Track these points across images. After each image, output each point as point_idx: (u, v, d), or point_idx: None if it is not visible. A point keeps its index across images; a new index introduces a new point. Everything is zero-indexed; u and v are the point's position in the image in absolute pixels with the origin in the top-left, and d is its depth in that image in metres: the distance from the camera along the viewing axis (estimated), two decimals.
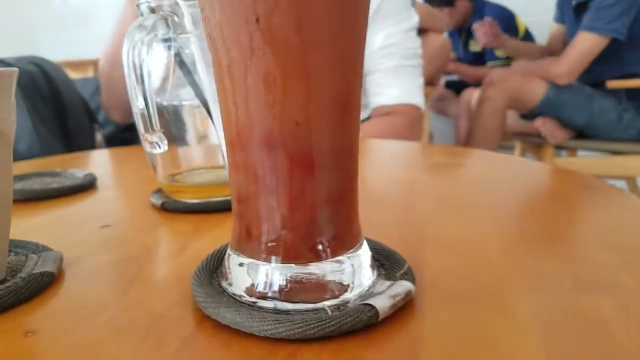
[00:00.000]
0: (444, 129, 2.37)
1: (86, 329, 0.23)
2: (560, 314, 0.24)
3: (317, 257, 0.24)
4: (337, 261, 0.25)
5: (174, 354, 0.21)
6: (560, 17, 1.88)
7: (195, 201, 0.43)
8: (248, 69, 0.22)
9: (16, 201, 0.47)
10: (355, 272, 0.25)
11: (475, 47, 2.24)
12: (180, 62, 0.40)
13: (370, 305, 0.23)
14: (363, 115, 1.02)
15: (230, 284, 0.25)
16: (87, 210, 0.46)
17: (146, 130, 0.38)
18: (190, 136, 0.44)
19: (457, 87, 2.24)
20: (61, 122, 0.94)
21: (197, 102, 0.41)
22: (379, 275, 0.27)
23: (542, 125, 1.68)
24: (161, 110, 0.41)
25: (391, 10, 0.93)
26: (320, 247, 0.24)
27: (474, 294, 0.26)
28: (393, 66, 0.94)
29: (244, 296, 0.24)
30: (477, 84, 2.02)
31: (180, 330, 0.23)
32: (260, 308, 0.24)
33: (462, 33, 2.26)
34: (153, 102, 0.37)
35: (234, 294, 0.25)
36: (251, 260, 0.25)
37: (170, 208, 0.43)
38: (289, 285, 0.24)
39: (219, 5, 0.22)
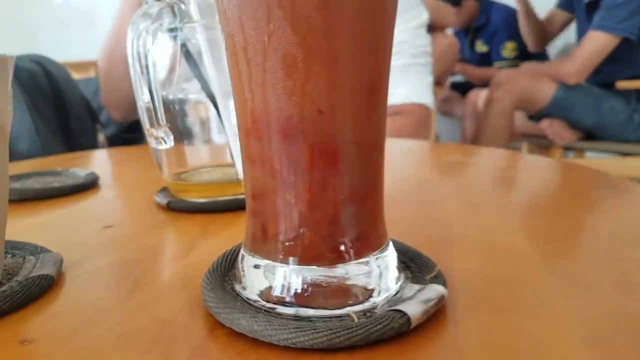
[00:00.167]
0: (450, 130, 2.35)
1: (87, 337, 0.21)
2: (607, 319, 0.22)
3: (340, 259, 0.22)
4: (362, 263, 0.22)
5: None
6: (565, 5, 1.84)
7: (202, 200, 0.41)
8: (266, 50, 0.20)
9: (15, 201, 0.45)
10: (382, 275, 0.23)
11: (481, 47, 2.22)
12: (187, 53, 0.38)
13: (401, 311, 0.20)
14: None
15: (244, 288, 0.23)
16: (89, 210, 0.44)
17: (151, 125, 0.36)
18: (197, 132, 0.42)
19: (462, 88, 2.22)
20: (63, 121, 0.93)
21: (203, 96, 0.39)
22: (406, 278, 0.24)
23: (549, 126, 1.65)
24: (167, 104, 0.39)
25: (401, 7, 0.91)
26: (343, 247, 0.22)
27: (509, 299, 0.24)
28: (402, 64, 0.92)
29: (259, 301, 0.22)
30: (484, 84, 2.00)
31: (190, 338, 0.21)
32: (279, 314, 0.21)
33: (468, 33, 2.24)
34: (159, 95, 0.35)
35: (248, 298, 0.23)
36: (267, 261, 0.23)
37: (177, 207, 0.41)
38: (309, 289, 0.22)
39: None
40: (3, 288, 0.25)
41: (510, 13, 2.10)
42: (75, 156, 0.74)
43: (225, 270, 0.26)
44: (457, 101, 2.21)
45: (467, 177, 0.53)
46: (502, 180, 0.50)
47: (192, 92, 0.40)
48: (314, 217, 0.22)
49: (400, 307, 0.21)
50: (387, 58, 0.22)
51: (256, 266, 0.23)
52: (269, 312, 0.22)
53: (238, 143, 0.40)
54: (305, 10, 0.19)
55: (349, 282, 0.22)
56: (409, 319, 0.20)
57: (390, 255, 0.24)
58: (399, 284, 0.24)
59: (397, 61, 0.92)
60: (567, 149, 1.79)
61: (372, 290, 0.22)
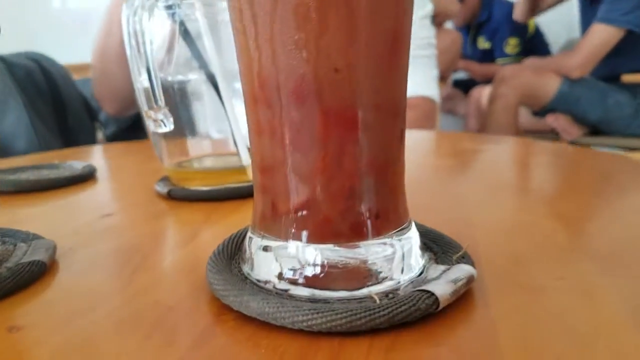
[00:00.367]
0: (452, 128, 2.33)
1: (81, 323, 0.19)
2: None
3: (359, 236, 0.20)
4: (383, 241, 0.20)
5: (188, 350, 0.17)
6: None
7: (204, 188, 0.39)
8: None
9: (10, 192, 0.43)
10: (404, 254, 0.21)
11: (483, 44, 2.20)
12: (185, 32, 0.36)
13: (428, 291, 0.18)
14: None
15: (252, 270, 0.21)
16: (85, 200, 0.42)
17: (150, 107, 0.34)
18: (198, 118, 0.40)
19: (465, 86, 2.20)
20: (60, 119, 0.91)
21: (204, 78, 0.37)
22: (429, 259, 0.22)
23: (555, 121, 1.63)
24: (165, 87, 0.37)
25: None
26: (361, 223, 0.20)
27: (543, 279, 0.22)
28: None
29: (270, 281, 0.20)
30: (486, 81, 1.98)
31: (194, 323, 0.19)
32: (292, 296, 0.19)
33: (470, 30, 2.22)
34: (157, 74, 0.33)
35: (258, 280, 0.21)
36: (278, 241, 0.21)
37: (178, 196, 0.39)
38: (325, 269, 0.20)
39: None
40: None
41: (512, 9, 2.08)
42: (72, 151, 0.72)
43: (232, 254, 0.24)
44: (460, 99, 2.19)
45: (483, 163, 0.51)
46: (520, 165, 0.48)
47: (192, 73, 0.38)
48: (329, 190, 0.20)
49: (426, 287, 0.19)
50: (410, 9, 0.20)
51: (266, 247, 0.21)
52: (280, 294, 0.20)
53: (240, 127, 0.39)
54: None
55: (368, 262, 0.20)
56: (436, 299, 0.18)
57: (413, 234, 0.22)
58: (423, 263, 0.22)
59: None
60: (572, 144, 1.77)
61: (394, 270, 0.20)
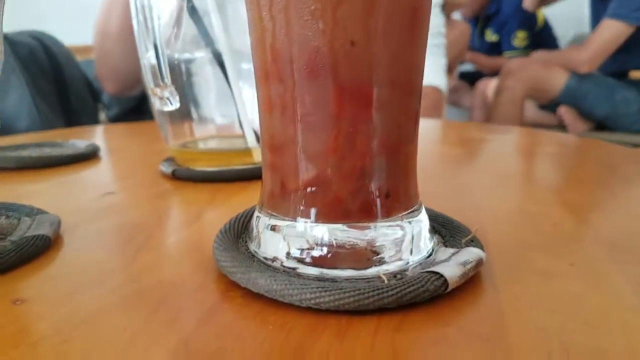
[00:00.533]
0: (457, 120, 2.32)
1: (85, 297, 0.19)
2: None
3: (368, 217, 0.20)
4: (392, 224, 0.20)
5: (196, 326, 0.17)
6: None
7: (209, 169, 0.38)
8: None
9: (12, 169, 0.42)
10: (414, 236, 0.20)
11: (491, 36, 2.18)
12: (192, 8, 0.35)
13: (437, 273, 0.18)
14: None
15: (260, 248, 0.21)
16: (89, 178, 0.42)
17: (156, 85, 0.34)
18: (204, 97, 0.40)
19: (471, 78, 2.18)
20: (62, 98, 0.90)
21: (210, 56, 0.37)
22: (438, 242, 0.22)
23: (566, 113, 1.61)
24: (171, 65, 0.37)
25: None
26: (372, 204, 0.20)
27: (552, 264, 0.21)
28: None
29: (278, 259, 0.20)
30: (493, 74, 1.97)
31: (201, 300, 0.19)
32: (300, 275, 0.19)
33: (478, 22, 2.20)
34: (163, 51, 0.32)
35: (266, 258, 0.20)
36: (286, 220, 0.20)
37: (183, 176, 0.38)
38: (333, 249, 0.20)
39: None
40: None
41: (521, 2, 2.06)
42: (75, 130, 0.71)
43: (239, 232, 0.23)
44: (466, 91, 2.17)
45: (491, 152, 0.50)
46: (528, 154, 0.48)
47: (198, 52, 0.37)
48: (340, 169, 0.20)
49: (435, 268, 0.19)
50: None
51: (273, 226, 0.21)
52: (288, 272, 0.19)
53: (247, 108, 0.38)
54: None
55: (377, 243, 0.20)
56: (445, 281, 0.18)
57: (423, 216, 0.22)
58: (432, 245, 0.21)
59: None
60: None
61: (403, 251, 0.20)
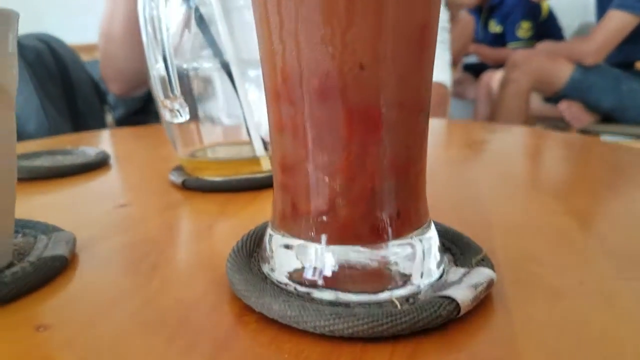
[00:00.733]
0: (462, 112, 2.31)
1: (107, 323, 0.20)
2: None
3: (379, 238, 0.20)
4: (403, 243, 0.20)
5: (213, 353, 0.17)
6: None
7: (219, 179, 0.39)
8: None
9: (25, 179, 0.43)
10: (424, 256, 0.21)
11: (494, 27, 2.16)
12: (200, 18, 0.35)
13: (449, 297, 0.19)
14: None
15: (273, 270, 0.21)
16: (100, 189, 0.43)
17: (166, 97, 0.34)
18: (212, 106, 0.40)
19: (475, 70, 2.17)
20: (70, 101, 0.91)
21: (218, 65, 0.37)
22: (449, 261, 0.22)
23: (567, 108, 1.61)
24: (180, 75, 0.37)
25: None
26: (382, 225, 0.20)
27: (564, 283, 0.22)
28: None
29: (290, 284, 0.20)
30: (498, 65, 1.95)
31: (217, 324, 0.19)
32: (313, 299, 0.20)
33: (481, 13, 2.19)
34: (173, 63, 0.33)
35: (279, 281, 0.21)
36: (299, 240, 0.21)
37: (192, 186, 0.39)
38: (345, 270, 0.20)
39: None
40: (14, 269, 0.23)
41: None
42: (84, 136, 0.72)
43: (251, 251, 0.24)
44: (470, 83, 2.16)
45: (497, 156, 0.50)
46: (534, 158, 0.48)
47: (206, 61, 0.37)
48: (351, 190, 0.20)
49: (447, 292, 0.19)
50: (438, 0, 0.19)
51: (287, 246, 0.21)
52: (301, 296, 0.20)
53: (254, 115, 0.39)
54: None
55: (389, 264, 0.20)
56: (457, 305, 0.18)
57: (433, 235, 0.22)
58: (443, 266, 0.22)
59: None
60: (583, 132, 1.75)
61: (414, 273, 0.20)
